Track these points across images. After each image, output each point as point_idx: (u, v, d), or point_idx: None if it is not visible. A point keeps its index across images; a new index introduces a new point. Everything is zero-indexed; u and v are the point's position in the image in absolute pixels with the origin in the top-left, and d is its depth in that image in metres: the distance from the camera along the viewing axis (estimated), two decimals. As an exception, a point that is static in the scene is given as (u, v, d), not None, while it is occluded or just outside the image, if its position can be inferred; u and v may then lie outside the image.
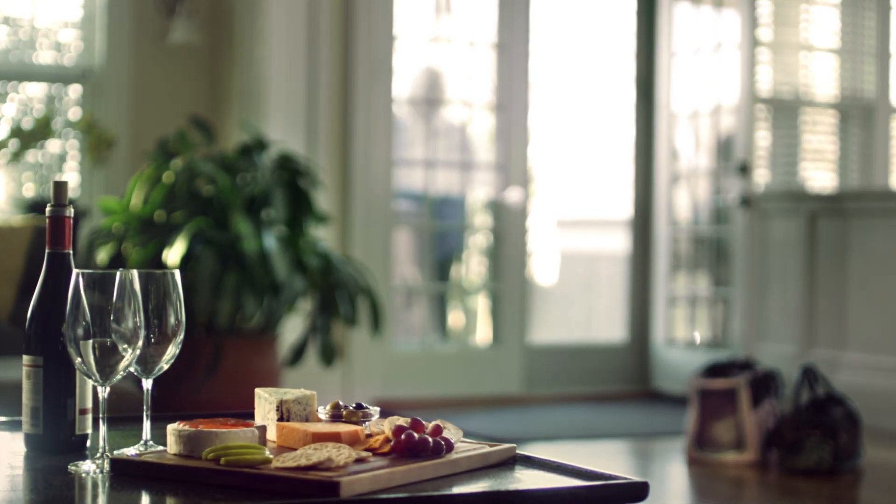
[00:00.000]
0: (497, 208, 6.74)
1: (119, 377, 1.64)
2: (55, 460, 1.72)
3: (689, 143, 7.18)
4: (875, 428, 5.71)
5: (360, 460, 1.60)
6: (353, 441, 1.70)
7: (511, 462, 1.76)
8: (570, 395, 6.91)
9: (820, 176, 7.29)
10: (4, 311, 4.47)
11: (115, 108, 5.95)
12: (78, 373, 1.76)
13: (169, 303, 1.70)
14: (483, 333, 6.91)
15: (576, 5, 7.59)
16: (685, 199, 7.23)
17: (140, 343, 1.63)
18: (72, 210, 1.81)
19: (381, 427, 1.74)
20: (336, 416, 1.80)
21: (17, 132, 5.55)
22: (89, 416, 1.81)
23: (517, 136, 6.73)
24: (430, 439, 1.66)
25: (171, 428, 1.66)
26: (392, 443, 1.67)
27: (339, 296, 4.94)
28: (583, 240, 8.57)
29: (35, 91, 5.95)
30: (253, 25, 5.97)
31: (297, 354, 5.07)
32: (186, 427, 1.65)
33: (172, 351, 1.71)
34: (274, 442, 1.76)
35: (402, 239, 6.67)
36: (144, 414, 1.74)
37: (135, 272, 1.64)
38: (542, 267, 8.33)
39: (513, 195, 6.71)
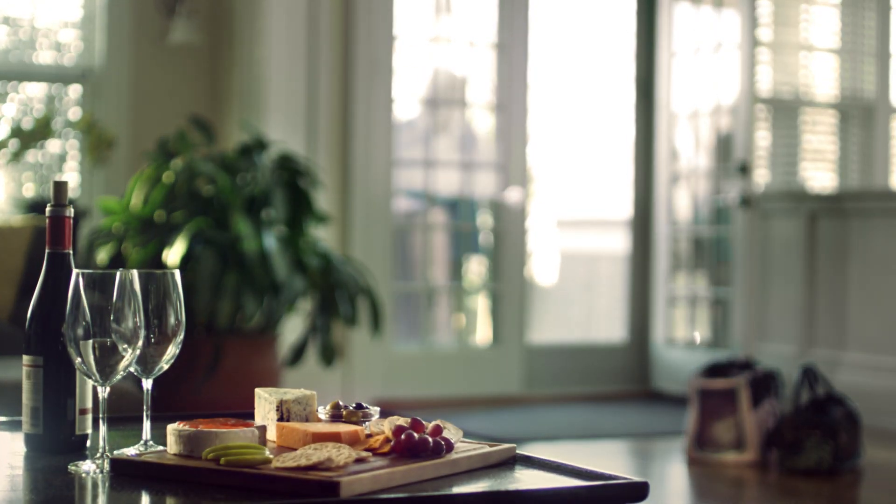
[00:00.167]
0: (497, 208, 6.74)
1: (119, 377, 1.64)
2: (55, 460, 1.72)
3: (689, 143, 7.18)
4: (875, 428, 5.71)
5: (360, 460, 1.60)
6: (353, 441, 1.70)
7: (511, 462, 1.76)
8: (570, 395, 6.91)
9: (820, 176, 7.29)
10: (4, 311, 4.47)
11: (115, 108, 5.95)
12: (78, 373, 1.76)
13: (169, 303, 1.70)
14: (483, 333, 6.91)
15: (575, 5, 7.59)
16: (685, 199, 7.23)
17: (140, 343, 1.63)
18: (72, 210, 1.81)
19: (381, 427, 1.74)
20: (336, 416, 1.80)
21: (17, 132, 5.55)
22: (89, 416, 1.81)
23: (517, 136, 6.73)
24: (430, 439, 1.66)
25: (171, 428, 1.66)
26: (392, 443, 1.67)
27: (339, 296, 4.94)
28: (583, 240, 8.57)
29: (35, 91, 5.95)
30: (253, 25, 5.97)
31: (297, 354, 5.07)
32: (186, 427, 1.65)
33: (172, 351, 1.71)
34: (274, 442, 1.76)
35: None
36: (144, 414, 1.74)
37: (135, 272, 1.64)
38: (543, 267, 8.33)
39: (513, 195, 6.71)
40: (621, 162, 7.39)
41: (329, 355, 4.99)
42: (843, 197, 6.38)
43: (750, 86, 6.58)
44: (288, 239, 4.89)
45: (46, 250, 1.80)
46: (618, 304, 7.40)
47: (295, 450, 1.66)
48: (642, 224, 7.27)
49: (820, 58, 7.27)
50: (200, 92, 6.11)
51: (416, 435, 1.66)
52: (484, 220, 6.84)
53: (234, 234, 4.72)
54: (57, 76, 5.95)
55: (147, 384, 1.73)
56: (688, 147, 7.20)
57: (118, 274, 1.61)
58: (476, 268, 6.90)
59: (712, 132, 7.02)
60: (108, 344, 1.61)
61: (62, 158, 5.98)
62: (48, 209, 1.80)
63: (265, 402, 1.82)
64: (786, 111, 7.17)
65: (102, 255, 4.80)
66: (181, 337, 1.72)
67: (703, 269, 7.10)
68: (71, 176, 5.95)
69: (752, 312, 6.61)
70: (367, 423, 1.78)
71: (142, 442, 1.74)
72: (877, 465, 5.01)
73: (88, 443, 1.80)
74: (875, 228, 6.15)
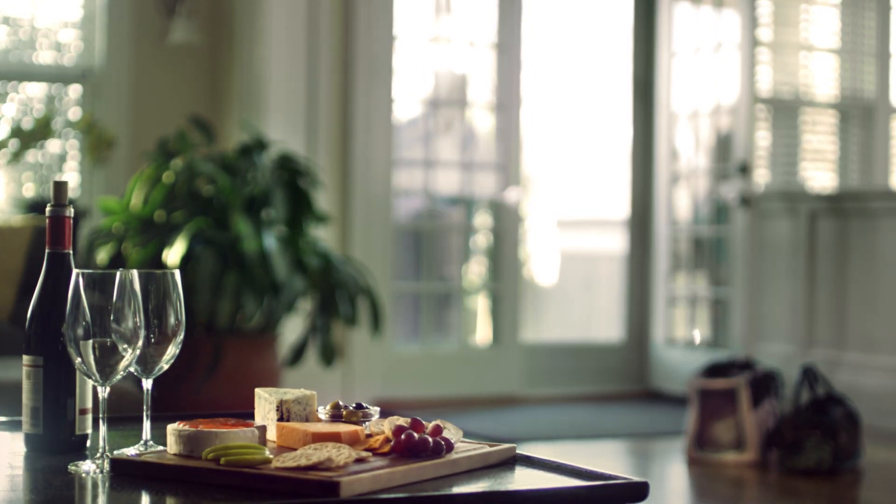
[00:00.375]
0: (497, 208, 6.74)
1: (119, 377, 1.64)
2: (55, 460, 1.72)
3: (689, 143, 7.18)
4: (875, 428, 5.71)
5: (360, 460, 1.60)
6: (353, 441, 1.70)
7: (511, 462, 1.76)
8: (569, 394, 6.91)
9: (820, 176, 7.29)
10: (4, 311, 4.47)
11: (115, 108, 5.95)
12: (78, 373, 1.76)
13: (169, 303, 1.70)
14: (483, 333, 6.91)
15: (575, 6, 7.59)
16: (685, 199, 7.23)
17: (140, 343, 1.63)
18: (72, 210, 1.81)
19: (381, 427, 1.74)
20: (336, 416, 1.80)
21: (17, 132, 5.55)
22: (89, 416, 1.81)
23: (517, 136, 6.73)
24: (430, 439, 1.66)
25: (171, 428, 1.66)
26: (392, 443, 1.67)
27: (339, 296, 4.94)
28: (582, 240, 8.57)
29: (35, 91, 5.95)
30: (253, 25, 5.97)
31: (297, 354, 5.07)
32: (186, 427, 1.65)
33: (172, 351, 1.71)
34: (274, 442, 1.76)
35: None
36: (144, 414, 1.74)
37: (135, 272, 1.63)
38: (542, 267, 8.33)
39: (513, 195, 6.71)
40: (620, 162, 7.39)
41: (329, 355, 4.99)
42: (843, 197, 6.38)
43: (750, 86, 6.58)
44: (288, 239, 4.89)
45: (46, 250, 1.80)
46: (618, 304, 7.40)
47: (295, 450, 1.66)
48: (640, 224, 7.27)
49: (820, 58, 7.27)
50: (200, 92, 6.11)
51: (416, 435, 1.66)
52: (484, 220, 6.84)
53: (234, 234, 4.72)
54: (57, 76, 5.95)
55: (147, 384, 1.73)
56: (688, 147, 7.20)
57: (118, 274, 1.61)
58: (476, 268, 6.89)
59: (712, 132, 7.02)
60: (108, 344, 1.61)
61: (62, 158, 5.98)
62: (48, 209, 1.80)
63: (265, 402, 1.82)
64: (786, 111, 7.17)
65: (102, 255, 4.80)
66: (181, 337, 1.72)
67: (703, 269, 7.10)
68: (71, 176, 5.95)
69: (751, 312, 6.61)
70: (367, 423, 1.78)
71: (142, 442, 1.74)
72: (877, 465, 5.01)
73: (88, 443, 1.80)
74: (875, 228, 6.14)
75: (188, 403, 4.57)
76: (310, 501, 1.48)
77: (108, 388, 1.65)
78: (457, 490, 1.60)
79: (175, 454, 1.64)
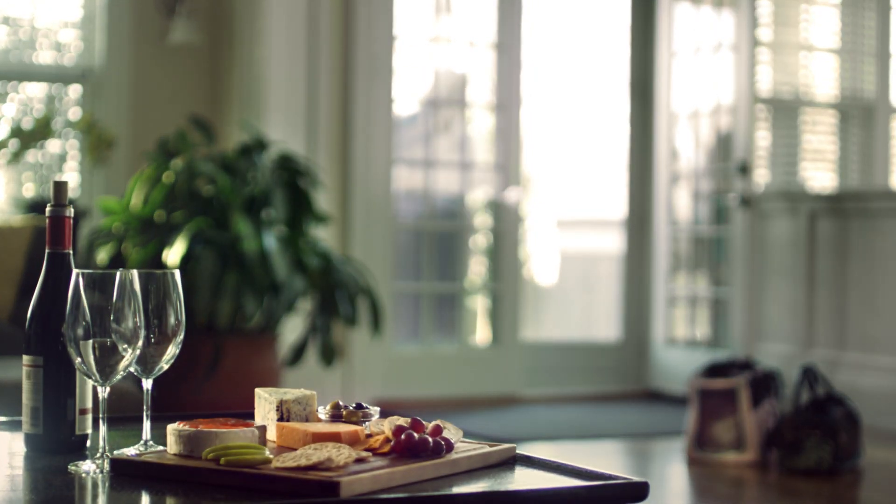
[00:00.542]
0: (497, 208, 6.74)
1: (119, 377, 1.64)
2: (55, 460, 1.72)
3: (689, 143, 7.18)
4: (875, 428, 5.71)
5: (360, 460, 1.60)
6: (353, 441, 1.70)
7: (511, 462, 1.76)
8: (569, 394, 6.91)
9: (820, 176, 7.29)
10: (4, 311, 4.47)
11: (115, 108, 5.95)
12: (78, 373, 1.76)
13: (169, 303, 1.70)
14: (483, 333, 6.91)
15: (574, 6, 7.59)
16: (685, 199, 7.23)
17: (140, 343, 1.63)
18: (72, 210, 1.81)
19: (381, 427, 1.74)
20: (336, 416, 1.80)
21: (17, 132, 5.55)
22: (89, 416, 1.80)
23: (516, 136, 6.73)
24: (430, 439, 1.66)
25: (171, 428, 1.66)
26: (392, 443, 1.67)
27: (339, 296, 4.94)
28: (582, 240, 8.57)
29: (35, 91, 5.95)
30: (253, 25, 5.97)
31: (297, 354, 5.07)
32: (186, 427, 1.65)
33: (172, 351, 1.71)
34: (274, 442, 1.76)
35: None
36: (144, 414, 1.74)
37: (135, 272, 1.63)
38: (542, 267, 8.33)
39: (512, 195, 6.71)
40: (620, 162, 7.39)
41: (329, 355, 4.99)
42: (843, 197, 6.38)
43: (750, 86, 6.58)
44: (288, 239, 4.89)
45: (46, 250, 1.80)
46: (617, 304, 7.40)
47: (295, 450, 1.66)
48: (639, 224, 7.27)
49: (820, 58, 7.27)
50: (200, 92, 6.11)
51: (416, 435, 1.66)
52: (484, 220, 6.84)
53: (234, 234, 4.72)
54: (57, 76, 5.95)
55: (147, 384, 1.73)
56: (688, 147, 7.20)
57: (118, 274, 1.61)
58: (476, 268, 6.89)
59: (712, 132, 7.02)
60: (108, 344, 1.61)
61: (62, 158, 5.98)
62: (48, 209, 1.80)
63: (265, 402, 1.82)
64: (786, 111, 7.17)
65: (102, 255, 4.80)
66: (181, 337, 1.72)
67: (703, 269, 7.10)
68: (71, 176, 5.95)
69: (751, 312, 6.61)
70: (367, 423, 1.78)
71: (142, 442, 1.74)
72: (877, 465, 5.01)
73: (88, 443, 1.80)
74: (875, 228, 6.14)
75: (188, 403, 4.57)
76: (310, 501, 1.48)
77: (108, 388, 1.65)
78: (457, 490, 1.60)
79: (175, 454, 1.64)
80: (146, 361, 1.70)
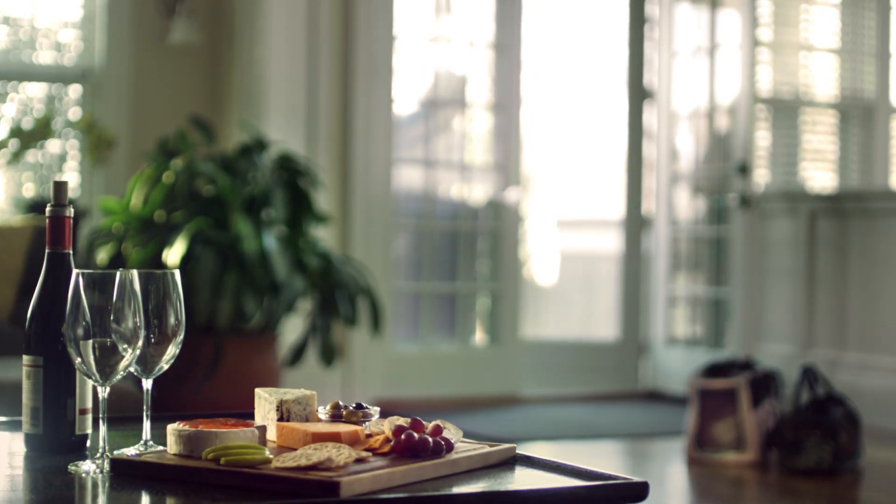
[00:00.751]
0: (497, 208, 6.74)
1: (119, 377, 1.64)
2: (55, 460, 1.72)
3: (689, 143, 7.18)
4: (875, 428, 5.71)
5: (360, 460, 1.60)
6: (353, 441, 1.70)
7: (511, 462, 1.76)
8: (570, 394, 6.91)
9: (820, 176, 7.29)
10: (4, 311, 4.47)
11: (115, 108, 5.95)
12: (78, 373, 1.76)
13: (169, 303, 1.70)
14: (483, 333, 6.91)
15: (574, 6, 7.59)
16: (685, 199, 7.23)
17: (140, 343, 1.63)
18: (72, 210, 1.81)
19: (381, 427, 1.74)
20: (336, 416, 1.80)
21: (17, 132, 5.55)
22: (89, 416, 1.80)
23: (516, 136, 6.73)
24: (430, 439, 1.66)
25: (171, 428, 1.66)
26: (392, 443, 1.67)
27: (339, 296, 4.94)
28: (582, 240, 8.58)
29: (35, 91, 5.95)
30: (253, 25, 5.97)
31: (297, 354, 5.07)
32: (186, 427, 1.65)
33: (172, 351, 1.71)
34: (274, 442, 1.76)
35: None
36: (144, 414, 1.74)
37: (135, 272, 1.63)
38: (542, 267, 8.33)
39: (512, 195, 6.71)
40: (619, 162, 7.39)
41: (329, 355, 4.99)
42: (843, 197, 6.38)
43: (750, 86, 6.58)
44: (288, 239, 4.89)
45: (46, 250, 1.80)
46: (617, 304, 7.40)
47: (295, 450, 1.66)
48: (639, 224, 7.27)
49: (820, 58, 7.27)
50: (200, 92, 6.11)
51: (416, 435, 1.66)
52: (484, 220, 6.84)
53: (234, 234, 4.72)
54: (57, 76, 5.95)
55: (147, 384, 1.73)
56: (688, 147, 7.20)
57: (118, 274, 1.61)
58: (476, 268, 6.89)
59: (712, 132, 7.02)
60: (108, 344, 1.61)
61: (62, 158, 5.98)
62: (48, 209, 1.80)
63: (265, 402, 1.82)
64: (786, 111, 7.17)
65: (102, 255, 4.80)
66: (181, 337, 1.72)
67: (703, 269, 7.10)
68: (71, 176, 5.95)
69: (751, 312, 6.61)
70: (367, 423, 1.78)
71: (142, 442, 1.74)
72: (877, 465, 5.01)
73: (88, 443, 1.80)
74: (875, 228, 6.14)
75: (188, 403, 4.56)
76: (310, 501, 1.48)
77: (108, 388, 1.65)
78: (457, 490, 1.60)
79: (175, 454, 1.64)
80: (146, 361, 1.70)
